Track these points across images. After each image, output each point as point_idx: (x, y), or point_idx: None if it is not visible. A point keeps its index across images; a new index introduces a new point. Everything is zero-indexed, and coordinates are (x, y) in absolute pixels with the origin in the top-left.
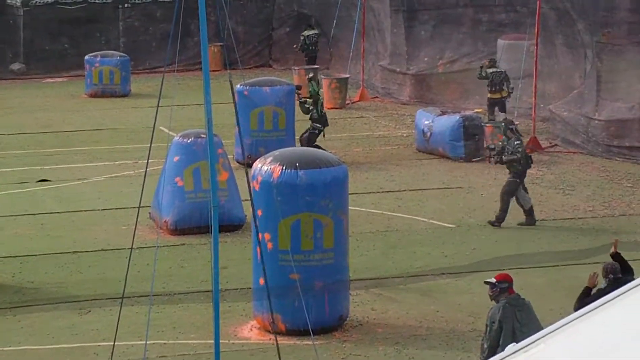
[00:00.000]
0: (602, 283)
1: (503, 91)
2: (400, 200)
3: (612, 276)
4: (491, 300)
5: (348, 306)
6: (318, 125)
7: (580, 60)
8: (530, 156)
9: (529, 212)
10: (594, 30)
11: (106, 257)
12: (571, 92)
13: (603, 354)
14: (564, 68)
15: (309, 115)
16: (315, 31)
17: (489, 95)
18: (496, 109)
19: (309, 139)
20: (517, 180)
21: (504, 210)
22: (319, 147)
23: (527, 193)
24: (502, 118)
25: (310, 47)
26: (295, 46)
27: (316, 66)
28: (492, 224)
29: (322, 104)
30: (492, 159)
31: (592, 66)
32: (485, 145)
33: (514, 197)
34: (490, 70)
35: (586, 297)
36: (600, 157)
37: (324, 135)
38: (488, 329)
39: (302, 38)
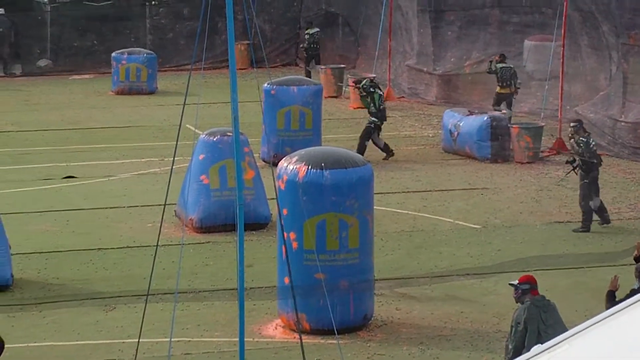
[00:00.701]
0: (635, 284)
1: (512, 87)
2: (425, 200)
3: None
4: (516, 302)
5: (373, 306)
6: (374, 119)
7: (605, 62)
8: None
9: (600, 212)
10: (620, 31)
11: (132, 254)
12: (597, 93)
13: (628, 355)
14: (589, 69)
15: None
16: (317, 29)
17: (497, 90)
18: (503, 104)
19: (364, 133)
20: (588, 182)
21: (586, 216)
22: (374, 142)
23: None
24: (508, 115)
25: (313, 45)
26: (301, 45)
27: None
28: (577, 231)
29: (380, 98)
30: (576, 170)
31: (618, 68)
32: (566, 161)
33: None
34: (500, 65)
35: (613, 300)
36: (626, 159)
37: (380, 130)
38: (513, 329)
39: (306, 36)
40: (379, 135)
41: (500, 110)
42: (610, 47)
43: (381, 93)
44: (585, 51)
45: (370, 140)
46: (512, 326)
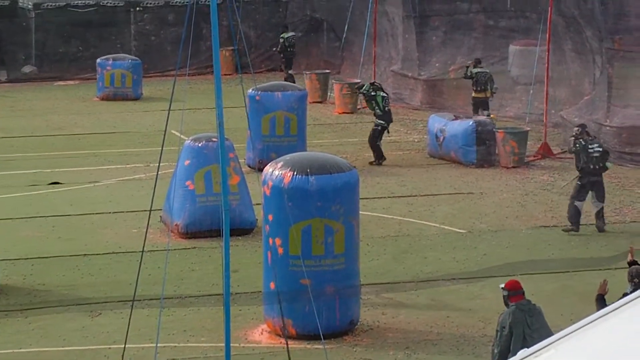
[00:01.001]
0: (628, 287)
1: (487, 91)
2: (411, 205)
3: (637, 280)
4: (507, 306)
5: (359, 311)
6: (381, 121)
7: (589, 67)
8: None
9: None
10: (604, 36)
11: (117, 260)
12: (581, 98)
13: (614, 359)
14: (574, 74)
15: (373, 112)
16: (293, 33)
17: (473, 94)
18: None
19: (372, 136)
20: (580, 184)
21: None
22: (378, 147)
23: (602, 203)
24: (486, 115)
25: (289, 49)
26: (274, 49)
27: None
28: (567, 230)
29: (384, 99)
30: (574, 147)
31: (603, 72)
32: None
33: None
34: (476, 70)
35: (603, 304)
36: (611, 163)
37: (388, 132)
38: (498, 334)
39: (281, 40)
40: (381, 137)
41: (484, 114)
42: (594, 51)
43: (384, 95)
44: (570, 56)
45: (381, 141)
46: (497, 330)
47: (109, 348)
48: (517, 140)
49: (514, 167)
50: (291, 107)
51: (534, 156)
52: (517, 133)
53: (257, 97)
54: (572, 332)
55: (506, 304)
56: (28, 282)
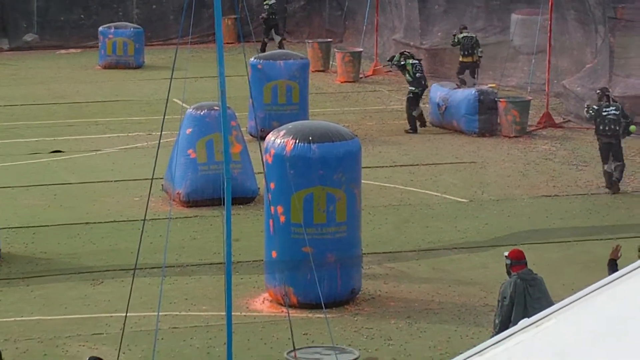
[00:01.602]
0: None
1: (474, 55)
2: (413, 174)
3: None
4: (509, 275)
5: (360, 280)
6: (412, 88)
7: (592, 36)
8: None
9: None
10: (606, 5)
11: (119, 228)
12: (583, 67)
13: (615, 329)
14: (576, 44)
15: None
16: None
17: (460, 59)
18: (467, 72)
19: (407, 106)
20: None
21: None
22: (412, 117)
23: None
24: (472, 83)
25: (272, 16)
26: (260, 16)
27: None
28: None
29: (414, 66)
30: (588, 114)
31: (604, 42)
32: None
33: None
34: (462, 35)
35: (615, 269)
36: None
37: (420, 98)
38: (499, 304)
39: (265, 7)
40: (417, 103)
41: (464, 80)
42: (597, 21)
43: (414, 62)
44: (572, 25)
45: (417, 110)
46: (498, 300)
47: (111, 316)
48: (519, 110)
49: (515, 136)
50: (293, 76)
51: (536, 125)
52: (519, 102)
53: (259, 66)
54: (573, 302)
55: (508, 273)
56: (30, 251)
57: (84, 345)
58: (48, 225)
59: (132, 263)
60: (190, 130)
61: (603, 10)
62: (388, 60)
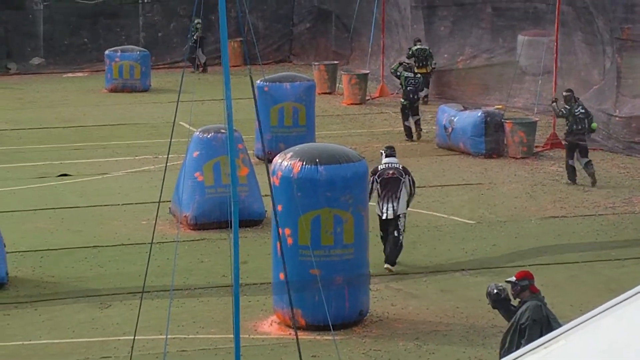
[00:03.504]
0: None
1: (427, 66)
2: (420, 196)
3: None
4: (514, 298)
5: (368, 301)
6: (401, 100)
7: (599, 57)
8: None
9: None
10: (614, 26)
11: (126, 251)
12: (590, 88)
13: (625, 350)
14: (583, 65)
15: None
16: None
17: (415, 70)
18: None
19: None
20: (567, 144)
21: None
22: (405, 125)
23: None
24: (424, 94)
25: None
26: (195, 37)
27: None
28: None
29: (406, 79)
30: (560, 112)
31: (612, 63)
32: (553, 100)
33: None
34: (415, 47)
35: None
36: (620, 153)
37: (408, 110)
38: (516, 327)
39: (198, 26)
40: (409, 116)
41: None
42: (605, 42)
43: (408, 75)
44: (579, 46)
45: (409, 121)
46: (521, 323)
47: (119, 340)
48: (526, 131)
49: (522, 157)
50: (299, 98)
51: (543, 146)
52: (526, 123)
53: (266, 88)
54: (582, 323)
55: (517, 296)
56: (37, 274)
57: None
58: (55, 249)
59: (139, 286)
60: (197, 153)
61: (610, 31)
62: (391, 68)
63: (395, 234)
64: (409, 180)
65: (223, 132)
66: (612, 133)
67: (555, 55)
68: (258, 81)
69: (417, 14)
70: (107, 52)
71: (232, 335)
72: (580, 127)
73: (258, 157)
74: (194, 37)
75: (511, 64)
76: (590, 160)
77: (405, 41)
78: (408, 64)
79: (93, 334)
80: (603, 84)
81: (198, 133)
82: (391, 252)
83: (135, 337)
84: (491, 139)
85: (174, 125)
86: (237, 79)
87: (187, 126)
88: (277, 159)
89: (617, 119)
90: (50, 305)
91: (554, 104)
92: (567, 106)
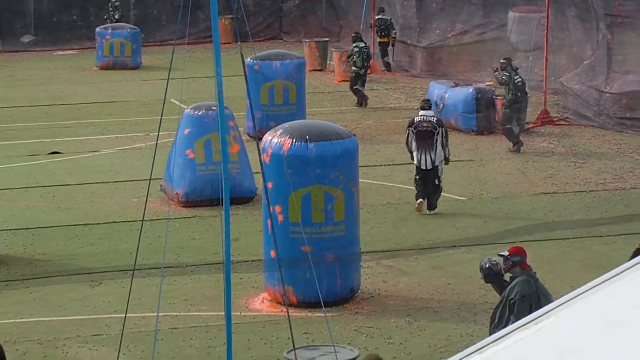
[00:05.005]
0: None
1: (389, 36)
2: (411, 172)
3: None
4: (504, 273)
5: (359, 278)
6: (355, 68)
7: (593, 33)
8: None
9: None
10: (608, 2)
11: (117, 229)
12: (582, 64)
13: (615, 326)
14: (576, 41)
15: None
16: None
17: (378, 40)
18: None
19: (351, 82)
20: (509, 111)
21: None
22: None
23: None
24: (385, 60)
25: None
26: (117, 16)
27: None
28: (512, 151)
29: (359, 49)
30: (501, 79)
31: (603, 38)
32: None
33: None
34: (377, 17)
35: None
36: (611, 129)
37: (359, 77)
38: (505, 302)
39: (117, 4)
40: (358, 82)
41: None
42: (599, 18)
43: (360, 45)
44: (572, 22)
45: (358, 85)
46: (511, 299)
47: (110, 317)
48: None
49: None
50: (290, 76)
51: (534, 123)
52: None
53: (256, 67)
54: (572, 299)
55: (508, 271)
56: (28, 252)
57: (83, 347)
58: (46, 227)
59: (131, 264)
60: (188, 130)
61: (605, 6)
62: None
63: (437, 182)
64: (442, 132)
65: (214, 110)
66: (603, 109)
67: (546, 31)
68: (248, 59)
69: None
70: (97, 29)
71: (223, 313)
72: (519, 94)
73: (249, 135)
74: (115, 17)
75: (502, 40)
76: (523, 119)
77: (394, 18)
78: (359, 34)
79: (84, 312)
80: (594, 60)
81: (189, 110)
82: (433, 198)
83: (127, 315)
84: (482, 116)
85: (164, 102)
86: (227, 56)
87: (178, 103)
88: (267, 137)
89: (607, 95)
90: (42, 284)
91: (496, 72)
92: (506, 73)
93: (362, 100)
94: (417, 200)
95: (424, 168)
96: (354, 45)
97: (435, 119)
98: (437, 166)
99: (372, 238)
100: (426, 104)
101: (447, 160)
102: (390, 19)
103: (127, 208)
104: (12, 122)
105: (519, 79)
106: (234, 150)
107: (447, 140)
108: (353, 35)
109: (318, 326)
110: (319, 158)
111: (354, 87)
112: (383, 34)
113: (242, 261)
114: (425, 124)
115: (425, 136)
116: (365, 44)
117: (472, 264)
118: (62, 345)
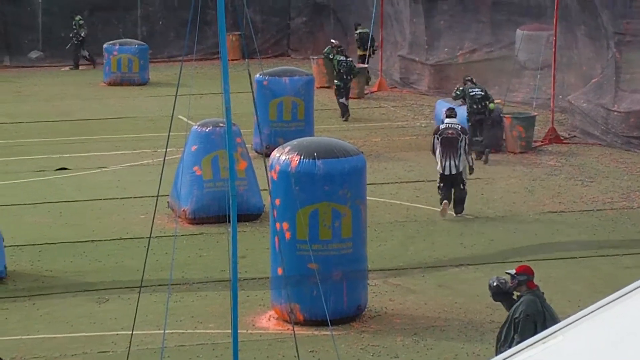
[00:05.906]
0: None
1: (369, 50)
2: (418, 190)
3: None
4: (512, 291)
5: (366, 296)
6: (336, 81)
7: (603, 52)
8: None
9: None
10: (617, 20)
11: (125, 245)
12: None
13: (623, 346)
14: (586, 59)
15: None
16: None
17: (359, 52)
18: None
19: (335, 94)
20: (471, 124)
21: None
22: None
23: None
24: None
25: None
26: (80, 35)
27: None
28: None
29: (339, 63)
30: (454, 93)
31: (611, 57)
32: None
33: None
34: (358, 31)
35: None
36: (619, 148)
37: (341, 89)
38: (510, 322)
39: (81, 23)
40: (343, 95)
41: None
42: (609, 36)
43: (340, 58)
44: (582, 40)
45: (343, 99)
46: (515, 318)
47: (117, 334)
48: (525, 126)
49: (521, 152)
50: (298, 92)
51: (542, 141)
52: (525, 118)
53: (265, 82)
54: (580, 318)
55: (517, 289)
56: (35, 268)
57: None
58: (54, 243)
59: (137, 280)
60: (195, 147)
61: (614, 24)
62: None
63: (462, 186)
64: (465, 139)
65: (221, 126)
66: (611, 128)
67: (554, 49)
68: (257, 75)
69: (416, 7)
70: (105, 45)
71: (230, 330)
72: (479, 106)
73: (256, 151)
74: (82, 35)
75: (510, 59)
76: (489, 135)
77: (400, 35)
78: (340, 47)
79: (91, 329)
80: (602, 78)
81: (196, 127)
82: (460, 204)
83: (133, 332)
84: (490, 134)
85: (172, 118)
86: (235, 73)
87: (186, 120)
88: (275, 153)
89: (615, 113)
90: (48, 300)
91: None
92: (461, 87)
93: (344, 114)
94: (441, 203)
95: (447, 174)
96: (332, 55)
97: (459, 126)
98: (461, 172)
99: (379, 256)
100: (452, 112)
101: (471, 169)
102: (372, 33)
103: (134, 225)
104: (20, 138)
105: (477, 92)
106: (241, 167)
107: (469, 148)
108: (334, 46)
109: (325, 344)
110: (326, 175)
111: (339, 101)
112: (364, 47)
113: (249, 278)
114: (450, 131)
115: (450, 143)
116: (346, 57)
117: (479, 282)
118: None
